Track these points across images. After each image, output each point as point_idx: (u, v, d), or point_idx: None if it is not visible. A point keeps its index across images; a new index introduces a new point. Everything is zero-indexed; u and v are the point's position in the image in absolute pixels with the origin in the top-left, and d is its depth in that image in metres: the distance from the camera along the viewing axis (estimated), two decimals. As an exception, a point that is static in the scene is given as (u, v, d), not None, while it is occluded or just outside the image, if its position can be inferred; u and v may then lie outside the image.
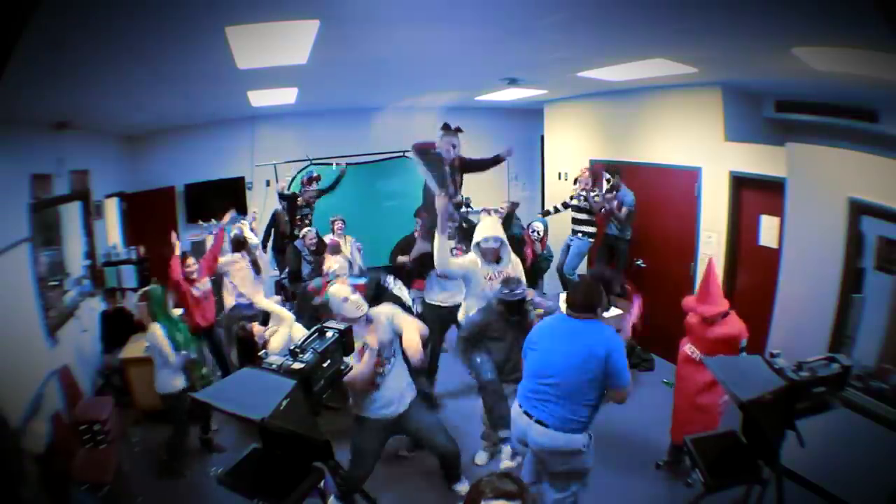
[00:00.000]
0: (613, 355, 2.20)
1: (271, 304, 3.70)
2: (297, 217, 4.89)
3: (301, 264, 4.61)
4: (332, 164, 5.65)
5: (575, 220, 4.95)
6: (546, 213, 5.18)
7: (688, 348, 3.02)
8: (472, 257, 3.29)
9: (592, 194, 4.67)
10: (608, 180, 4.61)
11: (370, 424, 2.72)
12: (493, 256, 3.23)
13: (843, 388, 2.14)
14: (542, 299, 3.46)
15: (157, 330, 3.19)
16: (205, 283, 3.95)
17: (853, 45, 2.24)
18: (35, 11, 1.46)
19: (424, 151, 3.71)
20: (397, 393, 2.73)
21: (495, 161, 4.10)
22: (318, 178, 5.13)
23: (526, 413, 2.34)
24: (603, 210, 4.63)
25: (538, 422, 2.28)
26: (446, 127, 3.71)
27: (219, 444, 3.71)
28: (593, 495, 2.59)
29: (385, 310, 2.79)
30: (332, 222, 4.98)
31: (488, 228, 3.23)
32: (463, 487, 3.01)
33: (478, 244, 3.22)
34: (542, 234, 4.52)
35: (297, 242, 4.69)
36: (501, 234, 3.26)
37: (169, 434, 3.38)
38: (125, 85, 3.06)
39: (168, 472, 3.37)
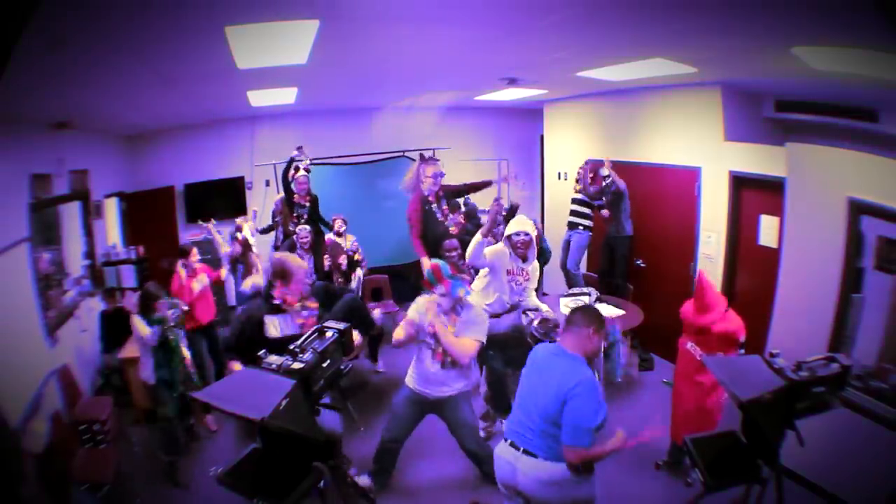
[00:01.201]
0: (571, 403, 1.98)
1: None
2: (294, 214, 4.90)
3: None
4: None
5: (574, 214, 5.01)
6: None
7: (689, 346, 3.01)
8: (501, 247, 3.35)
9: (592, 188, 4.79)
10: (604, 177, 4.70)
11: (410, 395, 2.97)
12: (522, 250, 3.31)
13: (843, 388, 2.14)
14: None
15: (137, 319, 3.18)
16: (202, 279, 3.95)
17: (853, 45, 2.24)
18: (35, 11, 1.46)
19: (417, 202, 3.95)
20: (444, 380, 2.88)
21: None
22: (308, 170, 4.95)
23: (513, 445, 2.18)
24: (603, 197, 4.77)
25: (526, 452, 2.13)
26: (421, 157, 3.83)
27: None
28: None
29: (477, 314, 2.93)
30: (333, 221, 4.99)
31: (520, 224, 3.34)
32: None
33: (509, 237, 3.31)
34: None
35: (294, 237, 4.72)
36: (532, 231, 3.34)
37: (161, 433, 3.31)
38: (125, 85, 3.06)
39: (173, 478, 3.27)
